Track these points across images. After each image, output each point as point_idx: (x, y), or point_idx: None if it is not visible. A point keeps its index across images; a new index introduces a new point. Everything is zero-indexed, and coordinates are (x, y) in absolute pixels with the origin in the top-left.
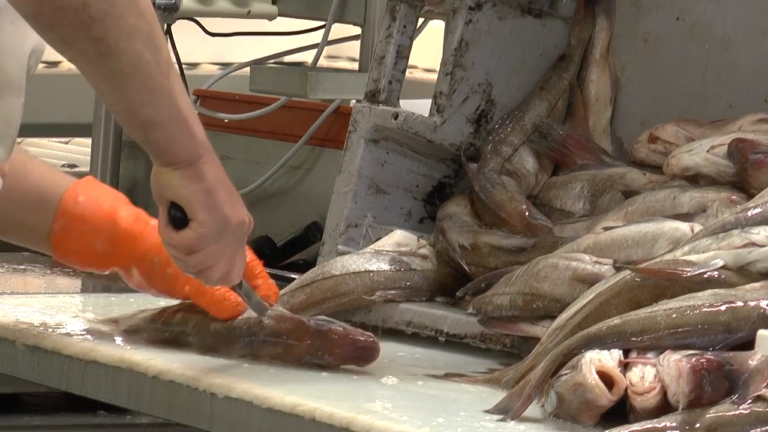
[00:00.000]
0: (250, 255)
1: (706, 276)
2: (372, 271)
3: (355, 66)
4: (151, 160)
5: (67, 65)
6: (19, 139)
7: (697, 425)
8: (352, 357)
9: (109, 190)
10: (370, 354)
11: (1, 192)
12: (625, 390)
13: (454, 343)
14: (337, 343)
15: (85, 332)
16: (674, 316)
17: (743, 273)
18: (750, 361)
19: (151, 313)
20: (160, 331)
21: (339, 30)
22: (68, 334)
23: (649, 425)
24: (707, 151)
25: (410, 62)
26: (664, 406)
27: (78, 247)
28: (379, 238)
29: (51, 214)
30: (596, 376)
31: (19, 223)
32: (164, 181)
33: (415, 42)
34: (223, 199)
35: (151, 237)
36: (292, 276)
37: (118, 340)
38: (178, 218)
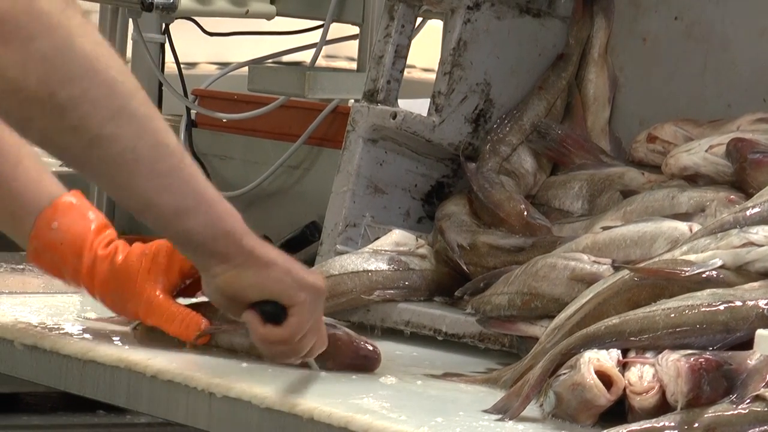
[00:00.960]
0: None
1: (704, 276)
2: (370, 271)
3: (354, 65)
4: (203, 269)
5: None
6: None
7: (696, 425)
8: (352, 365)
9: (83, 216)
10: (371, 364)
11: None
12: (624, 390)
13: (452, 342)
14: (340, 349)
15: (83, 332)
16: (673, 315)
17: (742, 273)
18: (748, 361)
19: None
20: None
21: (337, 29)
22: (67, 334)
23: (648, 425)
24: (706, 151)
25: (408, 62)
26: (663, 406)
27: (49, 269)
28: (377, 238)
29: (26, 228)
30: (595, 376)
31: (3, 224)
32: (237, 284)
33: (414, 41)
34: (299, 270)
35: (102, 273)
36: None
37: (118, 339)
38: (275, 313)
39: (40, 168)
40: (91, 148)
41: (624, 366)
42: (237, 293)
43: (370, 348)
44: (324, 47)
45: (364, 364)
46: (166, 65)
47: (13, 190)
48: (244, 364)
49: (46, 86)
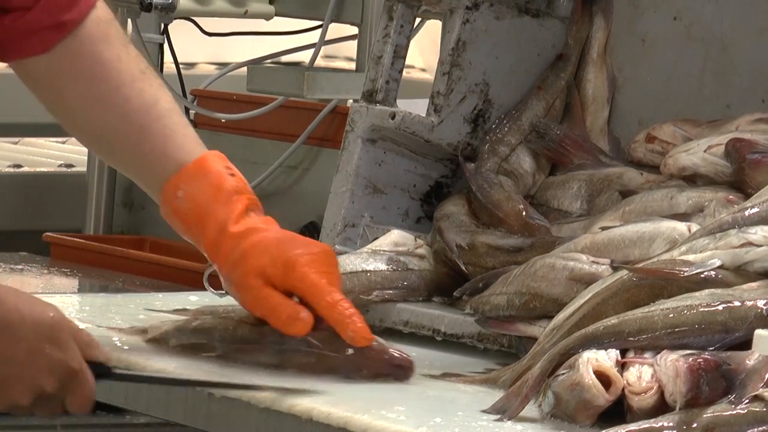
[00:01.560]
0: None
1: (703, 276)
2: (369, 271)
3: (353, 66)
4: None
5: None
6: (16, 139)
7: (695, 425)
8: (385, 374)
9: (211, 184)
10: (405, 373)
11: (121, 148)
12: (623, 390)
13: (451, 342)
14: (374, 358)
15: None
16: (671, 315)
17: (740, 273)
18: (747, 361)
19: (178, 321)
20: (187, 338)
21: (336, 30)
22: None
23: (646, 425)
24: (704, 151)
25: (407, 62)
26: (661, 406)
27: (181, 233)
28: (376, 238)
29: (156, 192)
30: (593, 376)
31: (138, 179)
32: None
33: (412, 42)
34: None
35: (230, 254)
36: None
37: (116, 339)
38: None
39: (170, 130)
40: None
41: (623, 366)
42: None
43: (403, 357)
44: (323, 47)
45: (397, 374)
46: (164, 65)
47: (140, 155)
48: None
49: None
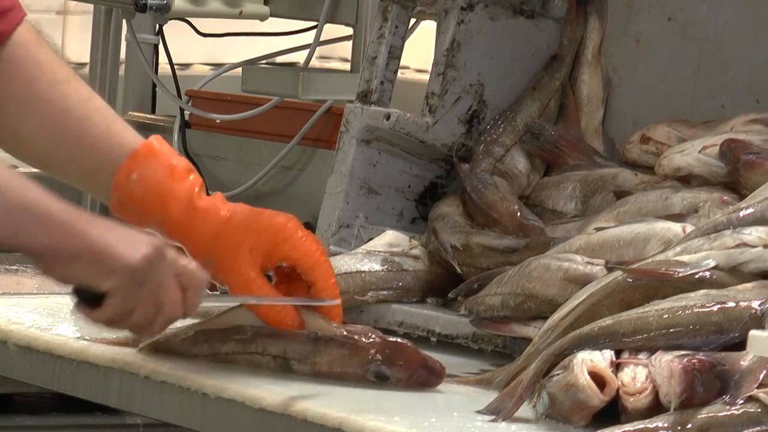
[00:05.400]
0: (313, 244)
1: (697, 276)
2: (364, 272)
3: (347, 66)
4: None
5: None
6: None
7: (689, 426)
8: (416, 375)
9: (163, 163)
10: (436, 378)
11: (61, 147)
12: (617, 390)
13: (446, 343)
14: (408, 356)
15: (77, 333)
16: (666, 316)
17: (735, 273)
18: (742, 362)
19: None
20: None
21: (331, 30)
22: (60, 335)
23: (641, 426)
24: (699, 152)
25: (402, 63)
26: (656, 407)
27: (135, 222)
28: (371, 239)
29: (105, 182)
30: (588, 377)
31: (81, 181)
32: (53, 277)
33: (407, 42)
34: (114, 249)
35: (202, 230)
36: None
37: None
38: (93, 296)
39: (110, 120)
40: None
41: (617, 367)
42: (57, 283)
43: (437, 362)
44: (318, 48)
45: (427, 377)
46: (159, 66)
47: (84, 146)
48: (238, 366)
49: None
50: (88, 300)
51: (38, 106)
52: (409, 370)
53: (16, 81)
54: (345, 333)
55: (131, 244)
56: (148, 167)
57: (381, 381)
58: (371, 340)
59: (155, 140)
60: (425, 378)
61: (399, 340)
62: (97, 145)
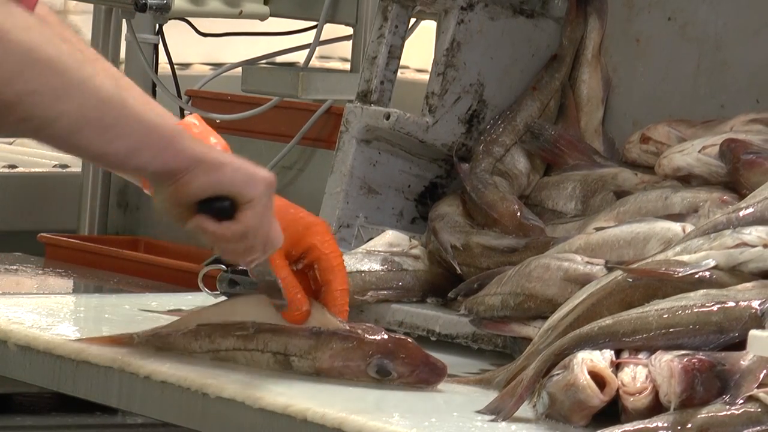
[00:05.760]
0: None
1: (697, 276)
2: (364, 272)
3: (347, 66)
4: (153, 184)
5: None
6: (11, 140)
7: (689, 425)
8: (417, 371)
9: (204, 141)
10: (437, 376)
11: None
12: (617, 390)
13: (446, 343)
14: (411, 352)
15: (77, 333)
16: (666, 316)
17: (735, 273)
18: (742, 362)
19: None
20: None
21: (331, 30)
22: (60, 335)
23: (641, 425)
24: (699, 152)
25: (402, 63)
26: (656, 407)
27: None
28: (371, 239)
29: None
30: (588, 377)
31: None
32: (189, 187)
33: (407, 42)
34: (249, 165)
35: None
36: None
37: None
38: (226, 208)
39: (144, 99)
40: (41, 129)
41: (617, 367)
42: (189, 196)
43: (439, 361)
44: (318, 48)
45: (431, 374)
46: (159, 66)
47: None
48: (240, 365)
49: None
50: (216, 214)
51: None
52: (411, 366)
53: None
54: (348, 328)
55: (256, 166)
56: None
57: (382, 376)
58: (374, 334)
59: (195, 118)
60: (426, 375)
61: (402, 336)
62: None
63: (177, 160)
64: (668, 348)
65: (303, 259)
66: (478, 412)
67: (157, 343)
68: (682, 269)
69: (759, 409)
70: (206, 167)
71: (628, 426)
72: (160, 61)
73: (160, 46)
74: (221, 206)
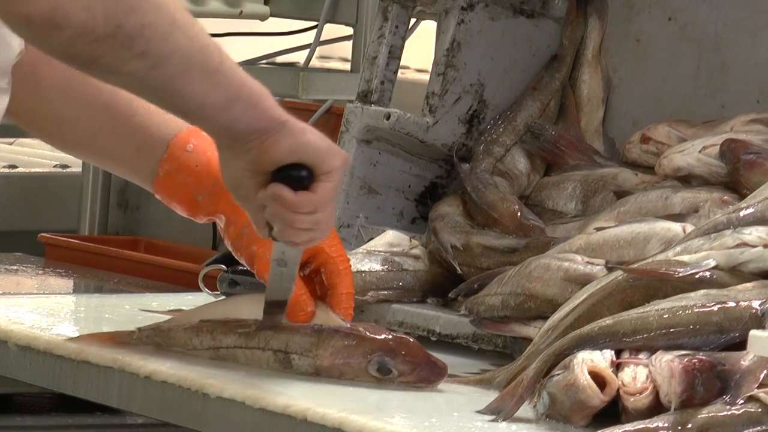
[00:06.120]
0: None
1: (698, 276)
2: (364, 272)
3: (348, 66)
4: (238, 146)
5: None
6: (11, 140)
7: (689, 425)
8: (418, 370)
9: None
10: (438, 375)
11: (108, 128)
12: (617, 390)
13: (446, 343)
14: (412, 350)
15: (77, 333)
16: (666, 316)
17: (735, 273)
18: (742, 362)
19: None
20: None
21: (331, 30)
22: (60, 335)
23: (641, 426)
24: (699, 152)
25: (402, 63)
26: (656, 407)
27: (180, 195)
28: (371, 239)
29: (156, 156)
30: (588, 377)
31: (124, 161)
32: (273, 150)
33: (407, 42)
34: (324, 136)
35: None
36: None
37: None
38: (305, 178)
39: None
40: (155, 68)
41: (617, 367)
42: (272, 159)
43: (440, 361)
44: (318, 48)
45: (432, 373)
46: None
47: (134, 125)
48: (240, 365)
49: (113, 20)
50: (293, 183)
51: (86, 88)
52: (412, 364)
53: (60, 63)
54: (349, 326)
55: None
56: (204, 139)
57: (383, 375)
58: (375, 332)
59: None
60: (427, 374)
61: (403, 335)
62: (148, 124)
63: (264, 118)
64: (668, 348)
65: (310, 263)
66: (479, 412)
67: (158, 338)
68: (682, 269)
69: (759, 410)
70: (291, 131)
71: (628, 426)
72: None
73: None
74: (299, 175)
